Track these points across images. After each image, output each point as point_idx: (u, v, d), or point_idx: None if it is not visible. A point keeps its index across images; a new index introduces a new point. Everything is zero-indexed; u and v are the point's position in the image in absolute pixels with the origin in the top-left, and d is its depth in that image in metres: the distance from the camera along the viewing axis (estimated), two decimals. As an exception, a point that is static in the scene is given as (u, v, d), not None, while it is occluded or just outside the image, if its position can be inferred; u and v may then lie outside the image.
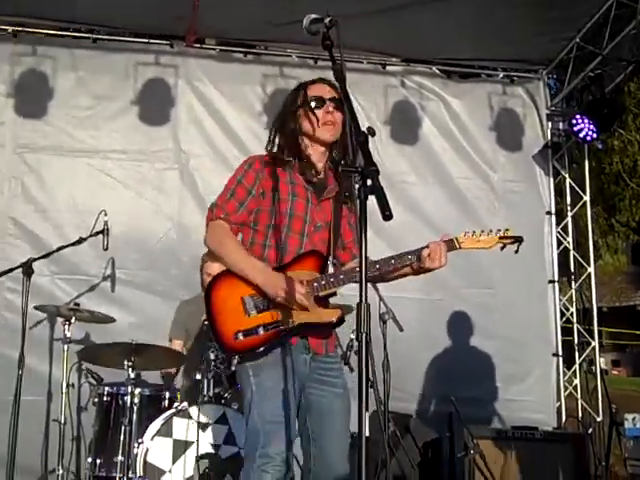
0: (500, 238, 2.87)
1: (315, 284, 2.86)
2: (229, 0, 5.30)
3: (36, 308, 4.75)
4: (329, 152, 3.10)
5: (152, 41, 6.08)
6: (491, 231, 2.88)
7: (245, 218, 3.00)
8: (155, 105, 5.93)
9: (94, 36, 5.93)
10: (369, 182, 2.02)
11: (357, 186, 2.07)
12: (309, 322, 2.85)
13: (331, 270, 3.01)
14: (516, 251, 2.85)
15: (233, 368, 4.20)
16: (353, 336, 4.87)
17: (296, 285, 2.78)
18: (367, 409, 1.90)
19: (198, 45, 6.17)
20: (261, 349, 2.82)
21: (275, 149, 3.06)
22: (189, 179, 5.99)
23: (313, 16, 2.31)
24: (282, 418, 2.77)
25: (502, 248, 2.90)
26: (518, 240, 2.86)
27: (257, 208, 2.99)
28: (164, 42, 6.11)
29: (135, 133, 5.90)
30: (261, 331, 2.83)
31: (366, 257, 2.08)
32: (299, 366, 2.89)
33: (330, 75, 2.56)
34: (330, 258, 3.04)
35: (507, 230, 2.89)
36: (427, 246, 2.81)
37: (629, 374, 18.92)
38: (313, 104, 3.03)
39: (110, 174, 5.85)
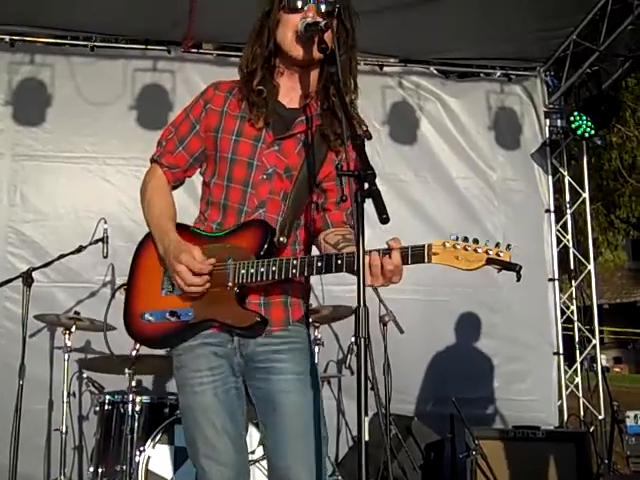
0: (488, 261, 2.08)
1: (242, 271, 2.17)
2: (226, 4, 5.28)
3: (36, 317, 4.71)
4: (313, 78, 2.32)
5: (149, 47, 6.07)
6: (486, 243, 2.10)
7: (184, 161, 2.40)
8: (153, 110, 5.89)
9: (91, 44, 5.93)
10: (366, 186, 1.91)
11: (354, 190, 1.95)
12: (218, 320, 2.22)
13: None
14: (517, 280, 2.10)
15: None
16: (353, 339, 4.89)
17: (193, 265, 2.15)
18: (367, 413, 1.89)
19: (195, 50, 6.16)
20: (177, 340, 2.27)
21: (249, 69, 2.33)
22: (189, 183, 5.95)
23: (308, 20, 2.28)
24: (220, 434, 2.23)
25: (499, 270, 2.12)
26: (512, 269, 2.07)
27: (203, 150, 2.37)
28: (161, 48, 6.10)
29: (134, 139, 5.85)
30: (170, 317, 2.24)
31: (363, 256, 1.87)
32: (229, 357, 2.27)
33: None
34: (277, 234, 2.26)
35: (501, 251, 2.09)
36: (371, 251, 2.02)
37: (631, 371, 18.93)
38: (287, 4, 2.23)
39: (109, 180, 5.84)
